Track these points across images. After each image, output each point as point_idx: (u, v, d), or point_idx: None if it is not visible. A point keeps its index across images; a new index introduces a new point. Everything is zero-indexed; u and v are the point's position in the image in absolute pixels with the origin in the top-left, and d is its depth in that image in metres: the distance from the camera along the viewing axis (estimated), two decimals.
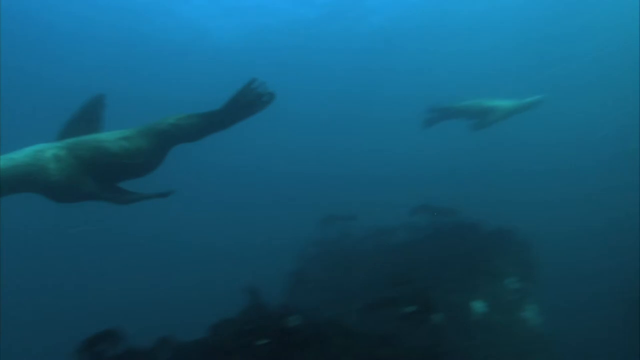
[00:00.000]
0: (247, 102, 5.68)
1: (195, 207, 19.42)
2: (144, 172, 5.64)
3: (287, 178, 22.58)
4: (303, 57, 24.38)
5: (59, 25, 20.23)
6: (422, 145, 24.44)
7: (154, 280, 13.09)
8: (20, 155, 4.79)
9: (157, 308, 9.44)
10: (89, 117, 5.60)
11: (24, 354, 9.41)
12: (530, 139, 22.77)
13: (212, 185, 21.48)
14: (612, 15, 20.71)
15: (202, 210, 19.46)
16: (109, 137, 5.36)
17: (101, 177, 5.09)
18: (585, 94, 25.10)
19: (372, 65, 25.14)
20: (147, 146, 5.50)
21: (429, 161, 23.77)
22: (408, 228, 10.29)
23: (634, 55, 22.15)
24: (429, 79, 24.80)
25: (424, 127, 11.71)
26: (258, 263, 11.28)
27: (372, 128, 26.78)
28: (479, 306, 7.45)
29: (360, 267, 8.72)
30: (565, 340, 7.84)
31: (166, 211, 18.10)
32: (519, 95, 11.30)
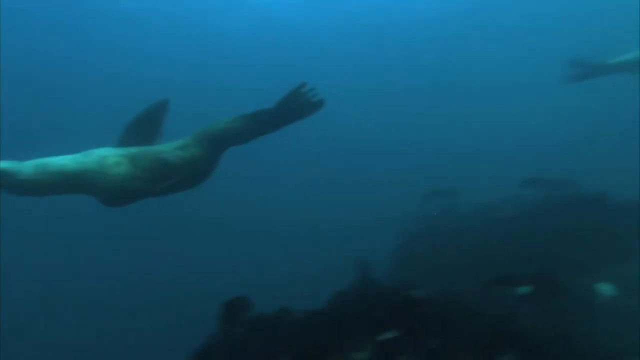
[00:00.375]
0: (296, 106, 5.68)
1: (297, 189, 19.91)
2: (200, 179, 5.73)
3: (388, 153, 22.21)
4: (398, 25, 23.33)
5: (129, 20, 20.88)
6: (532, 112, 22.48)
7: (264, 258, 13.83)
8: (87, 159, 5.00)
9: (272, 284, 9.99)
10: (149, 120, 5.73)
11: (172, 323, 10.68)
12: None
13: (313, 165, 21.83)
14: None
15: (303, 191, 19.87)
16: (167, 148, 5.55)
17: (158, 186, 5.22)
18: None
19: (474, 32, 23.36)
20: (202, 153, 5.62)
21: (540, 130, 21.70)
22: (518, 202, 9.68)
23: None
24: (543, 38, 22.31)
25: (568, 82, 10.47)
26: (361, 241, 11.44)
27: (477, 96, 25.06)
28: (605, 289, 6.81)
29: (466, 244, 8.43)
30: None
31: (270, 195, 18.97)
32: None
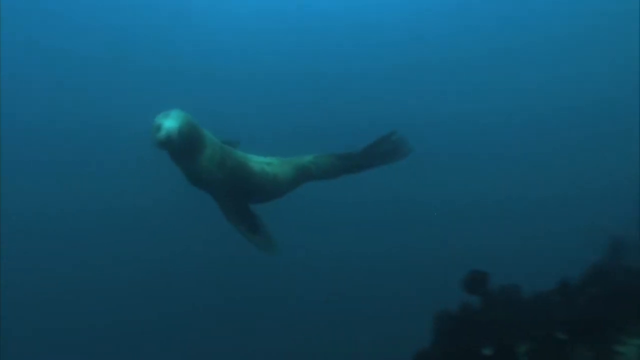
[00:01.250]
0: (384, 151, 5.85)
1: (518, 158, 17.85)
2: (270, 199, 5.80)
3: (620, 100, 18.17)
4: None
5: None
6: None
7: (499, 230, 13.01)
8: (206, 133, 5.25)
9: (506, 259, 9.42)
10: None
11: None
12: None
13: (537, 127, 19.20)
14: None
15: (524, 159, 17.73)
16: (256, 159, 5.64)
17: (232, 189, 5.33)
18: None
19: None
20: (285, 176, 5.71)
21: None
22: None
23: None
24: None
25: None
26: (594, 210, 9.98)
27: None
28: None
29: None
30: None
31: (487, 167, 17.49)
32: None
